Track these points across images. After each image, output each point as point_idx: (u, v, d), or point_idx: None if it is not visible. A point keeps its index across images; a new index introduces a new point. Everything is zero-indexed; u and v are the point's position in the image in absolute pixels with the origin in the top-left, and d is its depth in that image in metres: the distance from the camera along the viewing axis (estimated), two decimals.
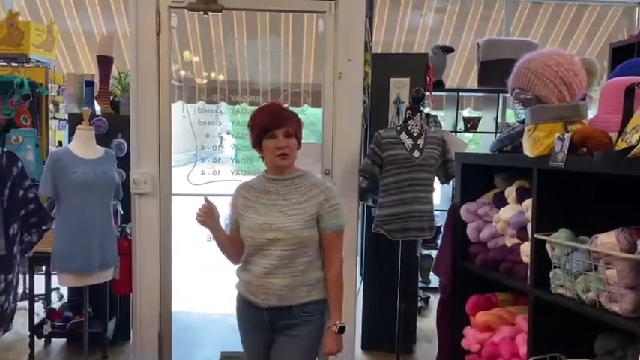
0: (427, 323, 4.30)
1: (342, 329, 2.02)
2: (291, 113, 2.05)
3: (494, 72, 4.64)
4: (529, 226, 1.90)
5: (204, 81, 5.49)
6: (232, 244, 2.09)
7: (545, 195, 1.82)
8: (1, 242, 1.53)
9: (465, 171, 2.29)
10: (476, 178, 2.26)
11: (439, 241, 4.97)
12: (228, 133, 4.14)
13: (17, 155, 1.60)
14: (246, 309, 2.06)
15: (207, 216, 2.04)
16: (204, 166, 3.77)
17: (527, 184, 2.01)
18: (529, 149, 1.85)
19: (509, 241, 2.06)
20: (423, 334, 4.10)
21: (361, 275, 4.06)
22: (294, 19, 5.25)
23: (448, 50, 4.55)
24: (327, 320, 2.03)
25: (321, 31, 3.46)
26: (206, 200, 2.08)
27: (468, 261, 2.23)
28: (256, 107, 2.16)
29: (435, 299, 4.88)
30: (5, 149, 1.57)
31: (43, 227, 1.68)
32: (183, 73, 5.64)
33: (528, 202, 1.91)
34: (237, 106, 4.77)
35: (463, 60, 5.62)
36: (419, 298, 4.28)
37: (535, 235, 1.81)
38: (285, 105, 2.23)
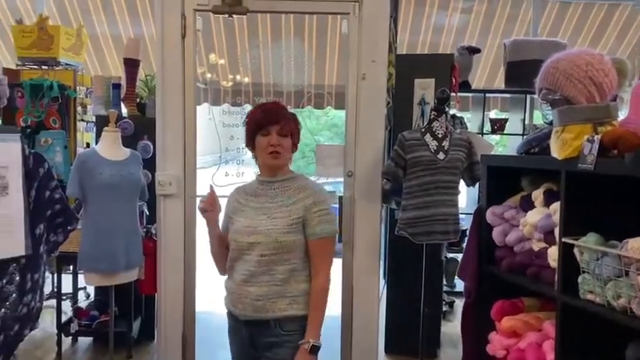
0: (452, 328, 4.24)
1: (315, 349, 1.82)
2: (289, 113, 1.97)
3: (521, 73, 4.57)
4: (557, 230, 1.85)
5: (230, 84, 5.54)
6: (221, 246, 1.98)
7: (574, 198, 1.77)
8: (28, 242, 1.55)
9: (491, 173, 2.24)
10: (502, 181, 2.21)
11: (463, 245, 4.96)
12: None
13: (44, 156, 1.62)
14: (230, 321, 1.97)
15: (210, 205, 1.96)
16: (228, 168, 3.79)
17: (555, 187, 1.96)
18: (557, 151, 1.81)
19: (537, 246, 2.01)
20: (448, 338, 4.05)
21: (384, 278, 4.03)
22: (318, 21, 5.25)
23: (474, 51, 4.49)
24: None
25: (345, 33, 3.45)
26: (211, 189, 2.01)
27: (494, 265, 2.18)
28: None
29: (459, 303, 4.81)
30: (32, 150, 1.59)
31: (69, 227, 1.70)
32: (209, 75, 5.70)
33: (556, 205, 1.86)
34: None
35: (490, 61, 5.54)
36: (443, 302, 4.22)
37: (563, 240, 1.76)
38: (288, 106, 2.16)
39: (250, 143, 1.93)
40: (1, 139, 1.50)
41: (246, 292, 1.83)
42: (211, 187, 2.04)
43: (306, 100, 5.21)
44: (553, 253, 1.89)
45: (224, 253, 1.96)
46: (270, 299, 1.82)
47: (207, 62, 5.52)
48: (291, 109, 4.57)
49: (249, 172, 3.87)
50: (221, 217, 2.05)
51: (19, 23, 4.20)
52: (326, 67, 5.50)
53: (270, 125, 1.86)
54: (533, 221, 2.00)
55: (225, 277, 1.99)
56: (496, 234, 2.16)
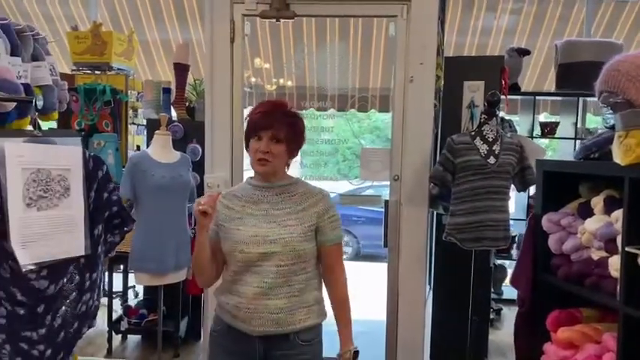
0: (499, 336, 4.14)
1: (357, 354, 1.78)
2: (289, 115, 1.78)
3: (573, 75, 4.44)
4: (619, 239, 1.77)
5: (273, 87, 5.58)
6: (212, 255, 1.78)
7: (638, 205, 1.70)
8: (87, 243, 1.60)
9: (547, 179, 2.17)
10: (558, 187, 2.14)
11: (513, 251, 4.84)
12: None
13: (102, 159, 1.66)
14: (231, 340, 1.77)
15: (212, 207, 1.68)
16: None
17: (617, 194, 1.88)
18: (620, 157, 1.73)
19: (596, 254, 1.94)
20: (495, 347, 3.95)
21: (429, 285, 3.96)
22: (363, 24, 5.23)
23: (524, 52, 4.39)
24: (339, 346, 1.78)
25: (392, 35, 3.43)
26: (217, 193, 1.79)
27: (550, 274, 2.11)
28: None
29: (507, 311, 4.70)
30: (92, 153, 1.64)
31: (125, 229, 1.74)
32: (253, 79, 5.77)
33: (618, 213, 1.79)
34: (305, 111, 4.82)
35: (539, 62, 5.39)
36: (491, 309, 4.12)
37: (626, 249, 1.69)
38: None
39: (246, 145, 1.78)
40: (65, 143, 1.55)
41: (262, 306, 1.69)
42: (216, 192, 1.86)
43: (350, 103, 5.20)
44: (615, 263, 1.81)
45: (213, 263, 1.79)
46: (290, 311, 1.72)
47: (252, 66, 5.59)
48: (335, 112, 4.57)
49: (294, 174, 3.89)
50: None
51: (74, 30, 4.34)
52: (370, 70, 5.47)
53: (262, 130, 1.71)
54: (592, 229, 1.93)
55: (219, 288, 1.83)
56: (552, 242, 2.09)
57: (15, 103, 1.65)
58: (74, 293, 1.64)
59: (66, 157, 1.57)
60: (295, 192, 1.79)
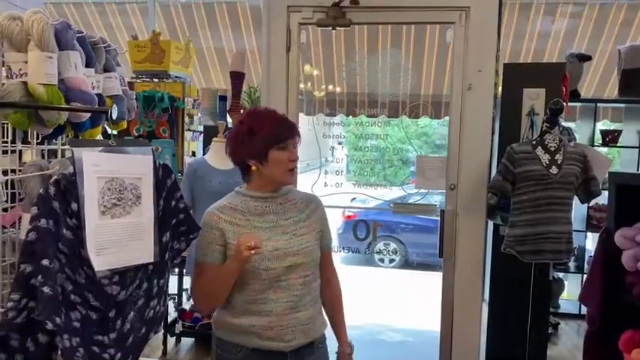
0: (557, 351, 4.00)
1: (352, 348, 1.87)
2: (292, 122, 1.79)
3: (638, 81, 4.26)
4: None
5: (322, 93, 5.60)
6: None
7: None
8: (156, 249, 1.63)
9: (620, 192, 2.07)
10: (633, 201, 2.04)
11: (570, 264, 4.67)
12: (340, 144, 4.18)
13: (171, 168, 1.70)
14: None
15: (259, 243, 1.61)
16: (327, 179, 3.82)
17: None
18: None
19: None
20: None
21: (482, 299, 3.86)
22: (415, 30, 5.18)
23: (585, 58, 4.24)
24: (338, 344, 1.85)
25: (448, 42, 3.37)
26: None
27: (623, 292, 2.01)
28: (249, 111, 1.88)
29: (564, 326, 4.53)
30: (161, 162, 1.68)
31: (191, 236, 1.77)
32: (302, 86, 5.80)
33: None
34: (356, 118, 4.81)
35: (600, 68, 5.19)
36: (549, 324, 3.98)
37: None
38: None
39: (263, 157, 1.68)
40: (138, 152, 1.59)
41: (294, 320, 1.66)
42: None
43: (401, 109, 5.15)
44: None
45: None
46: (314, 319, 1.72)
47: (303, 73, 5.62)
48: (385, 119, 4.54)
49: (338, 180, 3.87)
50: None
51: (134, 39, 4.47)
52: (423, 76, 5.41)
53: (289, 139, 1.69)
54: None
55: (234, 312, 1.71)
56: (626, 258, 1.99)
57: (90, 114, 1.70)
58: (142, 299, 1.68)
59: (138, 166, 1.61)
60: (294, 199, 1.78)
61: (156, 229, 1.66)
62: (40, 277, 1.36)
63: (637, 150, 4.52)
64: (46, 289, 1.35)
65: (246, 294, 1.68)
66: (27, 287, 1.37)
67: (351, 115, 4.96)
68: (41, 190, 1.43)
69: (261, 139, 1.67)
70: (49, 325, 1.35)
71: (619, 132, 4.58)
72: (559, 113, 2.97)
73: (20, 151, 1.79)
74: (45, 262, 1.37)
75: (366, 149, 4.01)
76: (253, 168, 1.71)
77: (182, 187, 3.05)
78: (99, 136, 1.91)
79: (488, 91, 3.23)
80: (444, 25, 3.45)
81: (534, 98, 3.38)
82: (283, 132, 1.69)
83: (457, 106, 3.25)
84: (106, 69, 1.92)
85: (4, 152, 1.72)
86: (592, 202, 3.67)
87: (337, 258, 3.02)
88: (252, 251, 1.58)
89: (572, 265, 4.74)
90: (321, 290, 1.82)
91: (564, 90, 3.55)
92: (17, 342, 1.40)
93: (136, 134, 3.96)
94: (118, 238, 1.55)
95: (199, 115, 4.37)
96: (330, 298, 1.86)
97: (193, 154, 4.34)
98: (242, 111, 4.05)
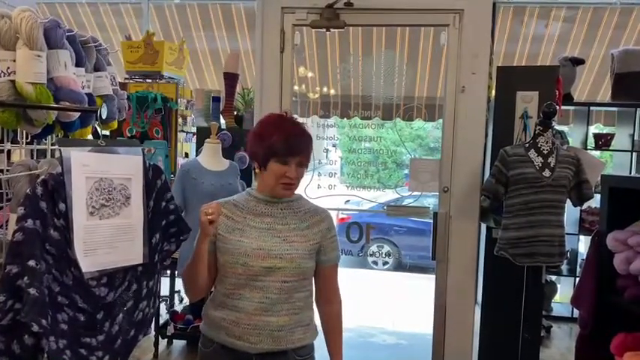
0: (549, 354, 4.00)
1: None
2: (309, 137, 1.72)
3: (631, 85, 4.29)
4: None
5: (316, 96, 5.58)
6: (208, 266, 1.71)
7: None
8: (145, 251, 1.61)
9: (613, 195, 2.08)
10: (625, 204, 2.04)
11: (563, 267, 4.67)
12: (334, 146, 4.17)
13: (161, 168, 1.68)
14: (224, 358, 1.69)
15: (217, 215, 1.62)
16: (320, 181, 3.81)
17: None
18: None
19: None
20: None
21: (475, 301, 3.86)
22: (410, 33, 5.18)
23: (578, 62, 4.25)
24: None
25: (442, 44, 3.37)
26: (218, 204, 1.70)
27: (615, 295, 2.01)
28: (270, 114, 1.80)
29: (557, 329, 4.54)
30: (152, 163, 1.66)
31: (181, 237, 1.76)
32: (296, 88, 5.79)
33: None
34: (349, 120, 4.80)
35: (593, 72, 5.21)
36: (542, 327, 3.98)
37: None
38: (296, 116, 1.82)
39: (262, 163, 1.69)
40: (127, 152, 1.57)
41: (263, 323, 1.64)
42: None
43: (395, 112, 5.15)
44: None
45: (208, 275, 1.72)
46: (291, 329, 1.68)
47: (297, 75, 5.61)
48: (380, 121, 4.53)
49: (333, 182, 3.86)
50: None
51: (128, 39, 4.45)
52: (417, 79, 5.41)
53: (290, 156, 1.65)
54: None
55: (210, 303, 1.76)
56: (618, 261, 1.99)
57: (79, 113, 1.69)
58: (131, 301, 1.66)
59: (128, 166, 1.59)
60: (299, 208, 1.75)
61: (145, 230, 1.64)
62: (26, 278, 1.34)
63: (629, 153, 4.54)
64: (32, 291, 1.33)
65: (224, 287, 1.70)
66: (13, 288, 1.35)
67: (345, 117, 4.95)
68: (28, 190, 1.41)
69: (266, 147, 1.67)
70: (35, 328, 1.33)
71: (612, 135, 4.60)
72: (552, 116, 2.97)
73: (9, 150, 1.77)
74: (31, 263, 1.35)
75: (360, 151, 4.00)
76: (255, 168, 1.76)
77: (174, 189, 3.04)
78: (89, 137, 1.89)
79: (482, 93, 3.24)
80: (438, 28, 3.45)
81: (528, 101, 3.38)
82: (288, 149, 1.65)
83: (451, 108, 3.26)
84: (97, 68, 1.90)
85: None
86: (585, 206, 3.67)
87: None
88: (210, 217, 1.58)
89: (564, 268, 4.74)
90: (320, 307, 1.81)
91: (557, 93, 3.56)
92: (3, 344, 1.38)
93: (129, 135, 3.93)
94: (106, 239, 1.54)
95: (193, 116, 4.35)
96: (328, 321, 1.82)
97: (186, 155, 4.32)
98: (235, 112, 4.04)
